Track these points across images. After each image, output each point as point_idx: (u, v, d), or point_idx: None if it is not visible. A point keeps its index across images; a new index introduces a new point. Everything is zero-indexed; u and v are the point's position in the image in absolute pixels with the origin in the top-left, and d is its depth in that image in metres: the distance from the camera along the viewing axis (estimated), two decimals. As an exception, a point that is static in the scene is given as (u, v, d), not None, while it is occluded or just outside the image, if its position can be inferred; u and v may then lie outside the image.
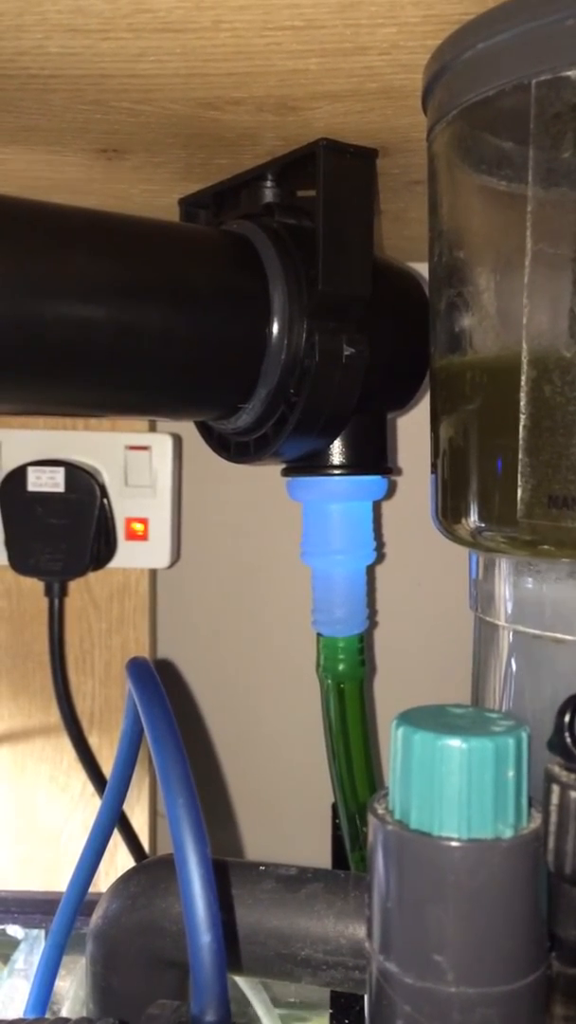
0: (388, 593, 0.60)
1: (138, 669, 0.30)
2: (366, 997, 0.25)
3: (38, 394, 0.38)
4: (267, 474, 0.55)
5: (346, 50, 0.31)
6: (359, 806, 0.50)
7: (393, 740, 0.23)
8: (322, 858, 0.57)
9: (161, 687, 0.29)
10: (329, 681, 0.49)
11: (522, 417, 0.27)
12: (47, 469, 0.56)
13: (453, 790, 0.22)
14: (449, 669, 0.55)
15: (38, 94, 0.35)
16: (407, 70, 0.32)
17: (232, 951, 0.30)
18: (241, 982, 0.53)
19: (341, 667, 0.48)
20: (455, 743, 0.22)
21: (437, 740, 0.22)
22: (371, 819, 0.24)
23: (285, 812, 0.63)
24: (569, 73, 0.25)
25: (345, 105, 0.35)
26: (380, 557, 0.58)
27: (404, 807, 0.23)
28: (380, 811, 0.24)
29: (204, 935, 0.24)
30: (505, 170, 0.29)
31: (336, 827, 0.55)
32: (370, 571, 0.49)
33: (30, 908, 0.60)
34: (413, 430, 0.58)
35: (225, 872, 0.30)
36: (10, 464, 0.57)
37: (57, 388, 0.38)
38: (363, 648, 0.49)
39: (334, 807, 0.53)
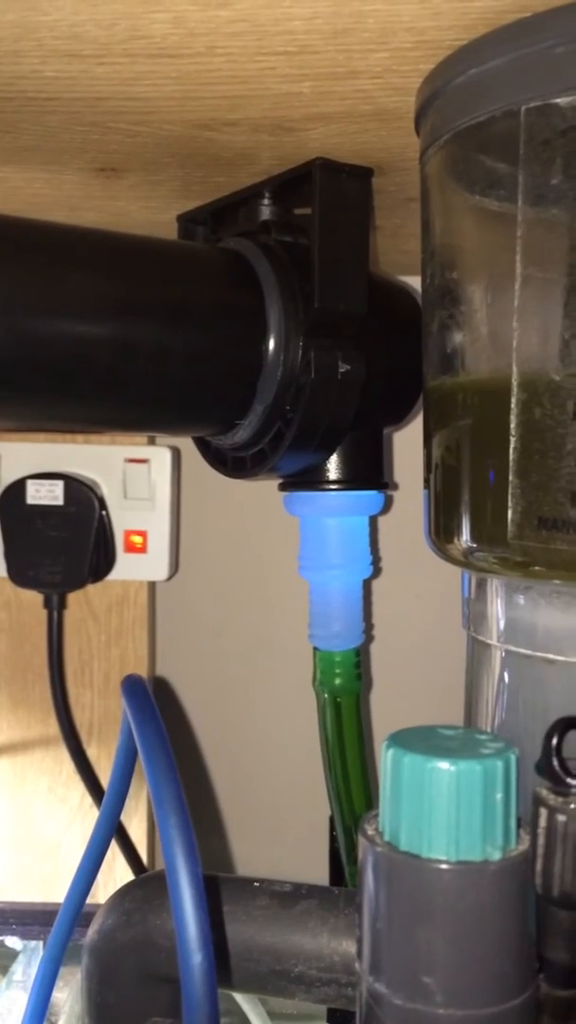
0: (384, 607, 0.60)
1: (132, 687, 0.31)
2: (356, 1017, 0.25)
3: (35, 411, 0.38)
4: (264, 488, 0.55)
5: (339, 74, 0.31)
6: (355, 819, 0.50)
7: (383, 762, 0.24)
8: (319, 871, 0.57)
9: (154, 705, 0.29)
10: (326, 695, 0.49)
11: (512, 439, 0.27)
12: (46, 482, 0.56)
13: (442, 812, 0.22)
14: (445, 683, 0.56)
15: (36, 116, 0.35)
16: (400, 93, 0.32)
17: (226, 967, 0.30)
18: (237, 996, 0.53)
19: (338, 681, 0.48)
20: (444, 765, 0.22)
21: (426, 762, 0.23)
22: (361, 840, 0.24)
23: (282, 825, 0.63)
24: (558, 100, 0.25)
25: (339, 126, 0.36)
26: (376, 571, 0.58)
27: (394, 829, 0.23)
28: (370, 832, 0.24)
29: (195, 955, 0.24)
30: (498, 191, 0.29)
31: (333, 840, 0.55)
32: (366, 585, 0.49)
33: (29, 919, 0.60)
34: (409, 445, 0.58)
35: (217, 888, 0.30)
36: (10, 477, 0.57)
37: (55, 405, 0.38)
38: (360, 662, 0.49)
39: (331, 820, 0.53)
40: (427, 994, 0.22)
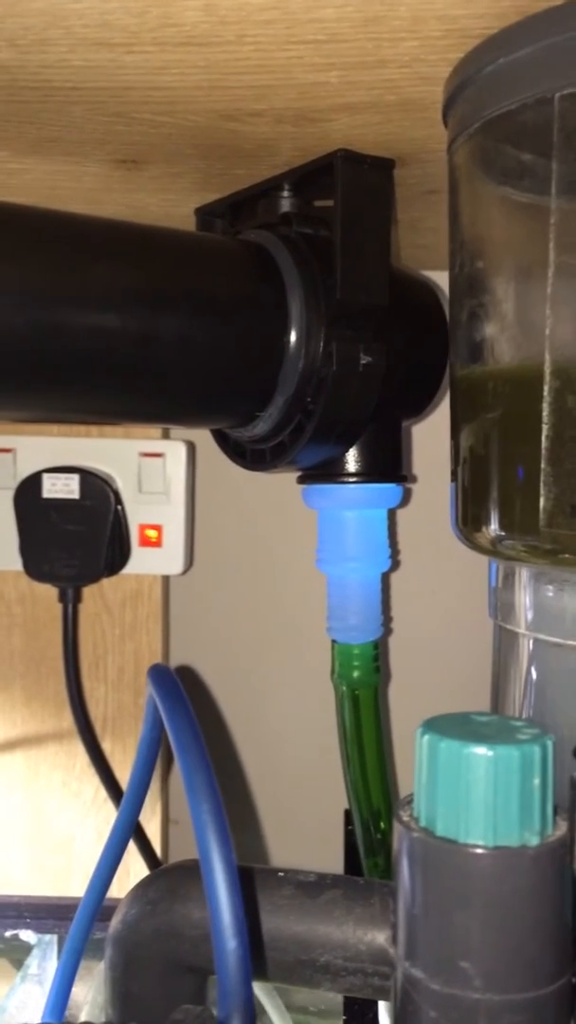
0: (403, 600, 0.60)
1: (160, 675, 0.31)
2: (391, 1004, 0.25)
3: (58, 403, 0.38)
4: (280, 481, 0.55)
5: (367, 63, 0.31)
6: (373, 812, 0.50)
7: (418, 747, 0.24)
8: (334, 864, 0.57)
9: (184, 693, 0.29)
10: (344, 688, 0.49)
11: (544, 427, 0.27)
12: (62, 476, 0.56)
13: (479, 798, 0.22)
14: (464, 676, 0.56)
15: (60, 106, 0.35)
16: (426, 82, 0.32)
17: (254, 957, 0.30)
18: (254, 987, 0.53)
19: (356, 674, 0.48)
20: (481, 751, 0.22)
21: (463, 748, 0.23)
22: (396, 826, 0.24)
23: (298, 818, 0.63)
24: (592, 87, 0.25)
25: (364, 117, 0.36)
26: (395, 564, 0.58)
27: (430, 814, 0.23)
28: (405, 818, 0.24)
29: (230, 941, 0.24)
30: (527, 182, 0.29)
31: (349, 833, 0.55)
32: (385, 578, 0.49)
33: (43, 913, 0.60)
34: (428, 438, 0.58)
35: (250, 878, 0.30)
36: (25, 471, 0.57)
37: (76, 397, 0.38)
38: (378, 655, 0.49)
39: (347, 813, 0.53)
40: (465, 979, 0.22)
